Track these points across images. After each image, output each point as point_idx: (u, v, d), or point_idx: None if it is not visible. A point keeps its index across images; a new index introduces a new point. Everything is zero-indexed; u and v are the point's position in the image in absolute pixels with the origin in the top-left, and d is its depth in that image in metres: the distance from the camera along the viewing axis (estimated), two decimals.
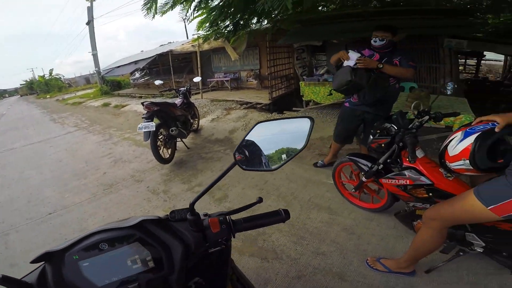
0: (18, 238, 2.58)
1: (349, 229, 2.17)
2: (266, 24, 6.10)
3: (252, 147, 0.73)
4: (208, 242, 0.68)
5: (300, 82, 6.44)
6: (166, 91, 5.07)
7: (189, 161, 3.97)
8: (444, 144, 1.42)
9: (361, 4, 5.89)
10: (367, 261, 1.79)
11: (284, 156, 0.72)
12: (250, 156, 0.73)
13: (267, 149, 0.73)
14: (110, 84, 15.75)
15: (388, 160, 1.73)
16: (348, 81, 2.29)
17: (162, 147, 3.72)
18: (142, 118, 3.51)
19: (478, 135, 1.26)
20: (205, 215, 0.74)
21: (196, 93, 9.15)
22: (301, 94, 6.13)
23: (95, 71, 16.74)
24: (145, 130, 3.39)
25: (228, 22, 5.09)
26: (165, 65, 12.74)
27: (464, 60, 10.31)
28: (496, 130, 1.24)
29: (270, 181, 3.06)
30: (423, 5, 4.97)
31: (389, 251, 1.92)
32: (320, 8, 6.27)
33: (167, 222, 0.66)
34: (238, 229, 0.72)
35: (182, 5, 3.84)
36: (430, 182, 1.52)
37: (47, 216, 2.88)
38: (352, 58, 2.35)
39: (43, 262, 0.59)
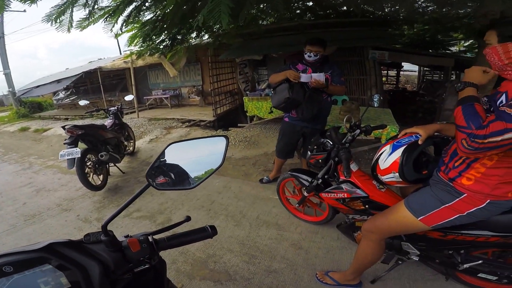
0: None
1: (297, 244, 2.19)
2: (207, 38, 6.00)
3: (168, 168, 0.74)
4: (130, 262, 0.67)
5: (243, 98, 6.46)
6: (94, 111, 4.53)
7: (125, 186, 3.64)
8: (375, 157, 1.47)
9: (297, 17, 6.25)
10: (317, 276, 1.80)
11: (201, 174, 0.74)
12: (168, 177, 0.73)
13: (188, 169, 0.74)
14: (28, 105, 13.71)
15: (326, 175, 1.76)
16: (287, 98, 2.37)
17: (91, 174, 3.35)
18: (64, 144, 3.14)
19: (404, 148, 1.33)
20: (126, 236, 0.73)
21: (131, 112, 8.51)
22: (245, 109, 6.12)
23: (9, 92, 14.46)
24: (69, 157, 3.02)
25: (163, 37, 4.84)
26: (95, 83, 11.65)
27: (386, 72, 11.69)
28: (420, 142, 1.33)
29: (217, 200, 2.97)
30: (350, 16, 5.43)
31: (335, 263, 1.96)
32: (260, 21, 6.44)
33: (81, 244, 0.64)
34: (162, 247, 0.72)
35: (106, 20, 3.49)
36: (365, 195, 1.57)
37: None
38: (305, 79, 2.43)
39: None
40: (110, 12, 3.38)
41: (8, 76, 13.96)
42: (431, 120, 5.64)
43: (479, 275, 1.42)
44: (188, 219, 0.82)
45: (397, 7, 6.31)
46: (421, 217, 1.23)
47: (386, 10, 6.65)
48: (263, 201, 2.86)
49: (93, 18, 3.45)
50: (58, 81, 10.71)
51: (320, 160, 1.75)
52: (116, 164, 3.86)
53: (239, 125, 6.40)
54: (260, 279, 1.88)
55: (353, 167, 1.64)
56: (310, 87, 2.42)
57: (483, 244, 1.30)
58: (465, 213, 1.16)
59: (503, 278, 1.38)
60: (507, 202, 1.12)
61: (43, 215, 3.06)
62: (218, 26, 4.44)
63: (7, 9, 2.74)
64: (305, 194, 2.03)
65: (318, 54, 2.42)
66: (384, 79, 10.70)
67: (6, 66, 13.88)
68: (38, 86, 12.15)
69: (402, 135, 1.44)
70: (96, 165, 3.41)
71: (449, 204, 1.18)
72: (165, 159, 0.73)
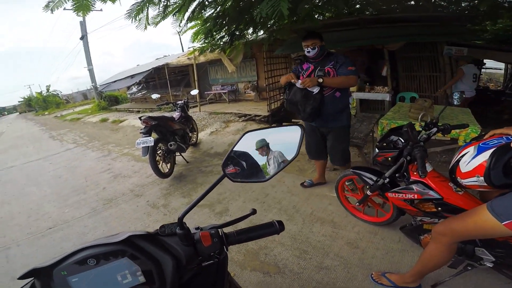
0: (19, 252, 2.59)
1: (353, 243, 2.12)
2: (262, 34, 6.11)
3: (242, 158, 0.71)
4: (200, 256, 0.68)
5: None
6: (164, 104, 5.02)
7: (189, 175, 3.93)
8: (455, 159, 1.36)
9: (357, 12, 5.94)
10: (372, 276, 1.74)
11: (275, 165, 0.70)
12: (240, 167, 0.71)
13: (258, 160, 0.71)
14: (107, 99, 15.77)
15: (396, 174, 1.66)
16: (285, 99, 2.48)
17: (161, 162, 3.68)
18: (140, 133, 3.47)
19: (493, 150, 1.20)
20: (197, 228, 0.73)
21: (194, 106, 9.13)
22: None
23: (92, 86, 16.79)
24: (144, 145, 3.35)
25: (223, 33, 5.09)
26: (162, 78, 12.79)
27: None
28: None
29: (271, 194, 3.02)
30: (420, 12, 4.99)
31: (394, 265, 1.86)
32: (316, 16, 6.30)
33: (156, 237, 0.66)
34: (231, 242, 0.72)
35: (174, 16, 3.82)
36: (439, 197, 1.46)
37: (47, 231, 2.89)
38: (298, 85, 2.39)
39: (32, 278, 0.59)
40: (178, 8, 3.68)
41: (91, 71, 16.21)
42: None
43: None
44: (253, 212, 0.80)
45: (475, 2, 5.56)
46: (506, 222, 1.11)
47: (462, 4, 5.92)
48: (318, 197, 2.82)
49: (163, 14, 3.80)
50: (132, 76, 12.07)
51: (389, 158, 1.66)
52: (182, 154, 4.19)
53: (293, 120, 6.39)
54: (310, 275, 1.86)
55: (428, 167, 1.52)
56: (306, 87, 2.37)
57: None
58: None
59: None
60: None
61: (119, 200, 3.42)
62: (273, 21, 4.48)
63: (92, 10, 3.02)
64: (368, 193, 1.95)
65: (315, 47, 2.35)
66: None
67: (89, 62, 16.11)
68: (115, 81, 13.85)
69: (489, 136, 1.30)
70: (165, 154, 3.74)
71: None
72: (240, 150, 0.71)
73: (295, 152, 0.69)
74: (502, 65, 9.10)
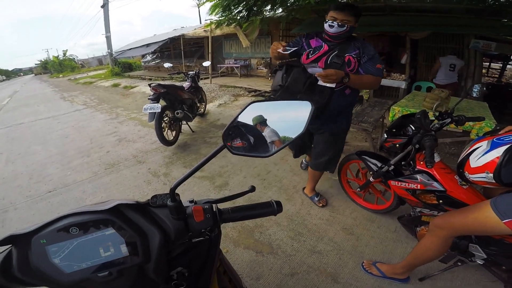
0: (16, 216, 2.55)
1: (348, 228, 2.12)
2: (280, 12, 5.90)
3: (247, 129, 0.67)
4: (190, 231, 0.63)
5: None
6: (175, 74, 5.01)
7: (193, 144, 3.94)
8: (465, 153, 1.30)
9: None
10: (363, 264, 1.75)
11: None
12: (246, 140, 0.67)
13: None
14: (121, 65, 15.84)
15: (402, 162, 1.62)
16: (280, 85, 1.80)
17: (166, 129, 3.70)
18: (148, 99, 3.48)
19: (508, 147, 1.14)
20: (191, 201, 0.68)
21: (205, 78, 9.09)
22: None
23: (107, 53, 16.81)
24: (151, 111, 3.37)
25: (241, 8, 4.94)
26: (177, 49, 12.70)
27: (488, 63, 9.85)
28: None
29: (273, 171, 3.01)
30: (451, 3, 4.72)
31: (386, 255, 1.86)
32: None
33: (146, 207, 0.62)
34: (225, 219, 0.68)
35: None
36: (442, 189, 1.42)
37: (46, 194, 2.87)
38: (313, 72, 1.79)
39: (10, 246, 0.55)
40: None
41: (108, 39, 16.24)
42: None
43: None
44: (252, 189, 0.74)
45: None
46: (507, 220, 1.09)
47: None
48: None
49: None
50: (147, 45, 12.02)
51: (397, 145, 1.61)
52: (188, 123, 4.22)
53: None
54: (302, 258, 1.87)
55: (436, 157, 1.47)
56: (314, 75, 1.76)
57: None
58: None
59: None
60: None
61: (121, 165, 3.43)
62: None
63: None
64: (371, 179, 1.92)
65: (345, 25, 1.72)
66: (484, 71, 9.05)
67: (108, 29, 16.14)
68: (130, 49, 13.80)
69: (505, 131, 1.24)
70: (172, 121, 3.76)
71: None
72: (243, 121, 0.66)
73: (302, 128, 0.64)
74: None
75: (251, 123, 0.67)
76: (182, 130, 4.10)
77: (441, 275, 1.61)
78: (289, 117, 0.68)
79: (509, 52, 5.87)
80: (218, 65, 10.86)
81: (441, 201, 1.44)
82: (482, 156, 1.20)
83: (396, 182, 1.63)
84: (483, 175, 1.20)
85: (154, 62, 15.10)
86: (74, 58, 30.66)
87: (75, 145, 4.28)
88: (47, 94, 11.66)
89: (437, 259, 1.46)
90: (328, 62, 1.82)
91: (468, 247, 1.41)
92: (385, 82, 5.23)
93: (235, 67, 10.33)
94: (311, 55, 1.89)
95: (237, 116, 0.65)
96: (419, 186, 1.51)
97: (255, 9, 5.04)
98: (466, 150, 1.31)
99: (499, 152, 1.15)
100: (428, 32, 4.82)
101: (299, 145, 2.39)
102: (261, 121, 0.66)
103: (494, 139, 1.21)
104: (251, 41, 7.50)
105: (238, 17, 5.29)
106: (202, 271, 0.70)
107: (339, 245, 1.96)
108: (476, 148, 1.25)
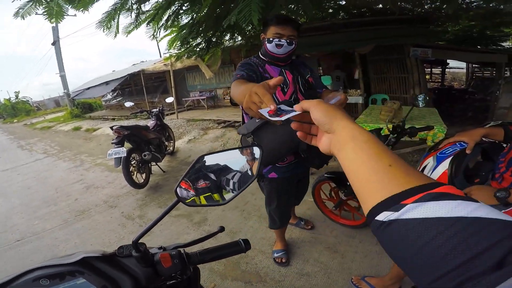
0: None
1: (332, 247, 2.14)
2: (240, 40, 6.13)
3: (212, 171, 0.70)
4: (162, 276, 0.67)
5: None
6: (138, 113, 4.88)
7: (165, 184, 3.85)
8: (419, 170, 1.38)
9: (329, 17, 6.11)
10: (352, 281, 1.75)
11: (236, 186, 0.69)
12: (206, 180, 0.69)
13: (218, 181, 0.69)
14: (81, 106, 15.14)
15: None
16: (256, 147, 1.09)
17: (135, 172, 3.60)
18: (112, 143, 3.40)
19: (451, 159, 1.23)
20: (160, 248, 0.72)
21: (171, 113, 8.96)
22: None
23: (64, 93, 16.06)
24: (116, 156, 3.27)
25: (199, 40, 5.06)
26: (138, 85, 12.47)
27: (429, 69, 10.91)
28: (467, 151, 1.22)
29: (251, 201, 3.00)
30: (387, 14, 5.21)
31: (373, 268, 1.89)
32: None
33: (113, 258, 0.64)
34: (193, 262, 0.71)
35: (149, 24, 3.74)
36: None
37: (15, 243, 2.80)
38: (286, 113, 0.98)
39: None
40: (151, 17, 3.61)
41: (63, 78, 15.50)
42: (483, 119, 5.18)
43: None
44: (221, 229, 0.80)
45: (437, 4, 5.90)
46: None
47: (425, 7, 6.26)
48: None
49: (137, 23, 3.71)
50: (107, 83, 11.64)
51: None
52: (158, 163, 4.10)
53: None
54: (291, 282, 1.86)
55: None
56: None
57: None
58: None
59: None
60: None
61: (92, 211, 3.31)
62: (250, 28, 4.50)
63: (65, 16, 2.98)
64: (343, 197, 1.97)
65: (293, 42, 1.46)
66: (427, 76, 9.98)
67: (62, 68, 15.41)
68: (89, 88, 13.30)
69: (444, 144, 1.34)
70: (140, 164, 3.65)
71: (508, 210, 1.07)
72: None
73: (255, 171, 0.67)
74: (464, 65, 9.72)
75: (206, 172, 0.68)
76: (152, 171, 4.01)
77: None
78: (241, 163, 0.70)
79: (444, 56, 6.51)
80: (183, 99, 10.80)
81: None
82: (433, 172, 1.28)
83: None
84: None
85: (115, 101, 14.61)
86: (28, 100, 28.63)
87: (39, 196, 4.04)
88: (2, 143, 10.77)
89: None
90: (303, 93, 1.53)
91: None
92: None
93: (201, 99, 10.30)
94: (286, 89, 1.49)
95: (188, 172, 0.66)
96: None
97: (214, 40, 5.18)
98: (418, 168, 1.39)
99: (445, 165, 1.23)
100: (372, 45, 5.17)
101: (289, 213, 2.00)
102: (218, 169, 0.69)
103: (437, 154, 1.30)
104: (214, 72, 7.64)
105: (198, 49, 5.40)
106: None
107: (325, 265, 1.97)
108: (425, 165, 1.34)
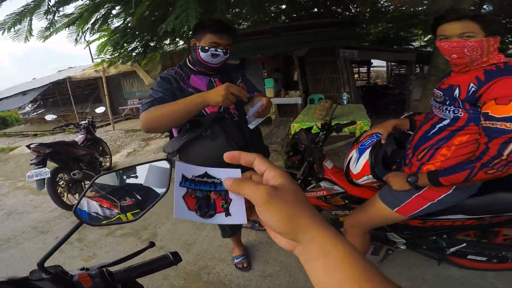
0: None
1: None
2: (182, 44, 5.93)
3: (134, 188, 0.67)
4: None
5: None
6: (63, 126, 4.34)
7: None
8: (345, 164, 1.51)
9: (271, 20, 6.33)
10: None
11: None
12: (131, 198, 0.67)
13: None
14: None
15: (302, 176, 1.77)
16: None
17: (65, 193, 3.21)
18: (31, 164, 2.99)
19: (370, 149, 1.37)
20: (82, 269, 0.70)
21: (106, 124, 8.22)
22: None
23: None
24: (37, 178, 2.87)
25: (135, 44, 4.75)
26: (65, 94, 11.03)
27: (357, 69, 12.14)
28: (382, 141, 1.39)
29: None
30: (321, 18, 5.52)
31: None
32: (236, 26, 6.45)
33: (25, 282, 0.61)
34: (118, 279, 0.69)
35: (69, 28, 3.36)
36: (343, 190, 1.62)
37: None
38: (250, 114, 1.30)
39: None
40: (73, 21, 3.27)
41: None
42: (402, 111, 5.94)
43: (469, 257, 1.48)
44: (151, 245, 0.77)
45: (360, 8, 6.62)
46: (397, 208, 1.29)
47: (352, 10, 6.97)
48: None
49: (55, 27, 3.32)
50: (24, 93, 10.01)
51: (296, 162, 1.77)
52: None
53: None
54: (257, 285, 1.88)
55: (328, 164, 1.67)
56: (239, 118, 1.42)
57: (461, 227, 1.37)
58: (435, 200, 1.22)
59: (493, 258, 1.44)
60: (472, 186, 1.19)
61: (18, 238, 2.93)
62: (191, 32, 4.40)
63: None
64: None
65: (228, 52, 1.40)
66: (356, 76, 11.10)
67: None
68: (1, 99, 11.28)
69: (364, 137, 1.48)
70: (70, 184, 3.28)
71: (419, 193, 1.24)
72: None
73: (165, 188, 0.64)
74: (384, 63, 11.10)
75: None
76: None
77: (383, 265, 1.77)
78: (151, 178, 0.67)
79: (369, 57, 7.28)
80: (120, 108, 9.94)
81: (346, 201, 1.63)
82: (357, 163, 1.41)
83: (307, 193, 1.77)
84: (366, 178, 1.40)
85: (35, 114, 12.64)
86: None
87: None
88: None
89: (368, 253, 1.61)
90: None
91: (387, 236, 1.59)
92: (285, 100, 5.80)
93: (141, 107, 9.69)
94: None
95: (83, 194, 0.64)
96: (325, 192, 1.68)
97: (152, 44, 4.91)
98: (345, 161, 1.52)
99: (366, 156, 1.37)
100: (307, 48, 5.49)
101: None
102: (118, 188, 0.67)
103: (359, 146, 1.44)
104: (154, 77, 7.26)
105: (134, 54, 5.06)
106: None
107: (285, 263, 2.03)
108: (350, 157, 1.47)
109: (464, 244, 1.44)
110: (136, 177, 0.67)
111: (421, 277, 1.74)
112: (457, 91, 1.09)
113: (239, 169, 0.38)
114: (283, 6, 6.69)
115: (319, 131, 1.71)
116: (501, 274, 1.62)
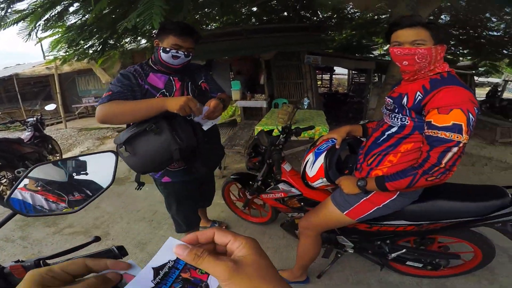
0: None
1: None
2: (145, 43, 5.69)
3: (78, 183, 0.67)
4: None
5: None
6: (7, 123, 3.98)
7: None
8: (302, 166, 1.54)
9: (242, 22, 6.32)
10: None
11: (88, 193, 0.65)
12: (81, 193, 0.66)
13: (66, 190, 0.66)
14: None
15: (262, 178, 1.80)
16: (178, 148, 1.26)
17: (7, 192, 2.93)
18: None
19: (325, 154, 1.42)
20: (16, 261, 0.65)
21: (57, 123, 7.62)
22: None
23: None
24: None
25: (92, 42, 4.45)
26: (11, 91, 10.01)
27: (321, 75, 12.56)
28: (337, 146, 1.44)
29: (160, 210, 2.82)
30: (290, 21, 5.64)
31: (284, 261, 2.03)
32: (203, 26, 6.34)
33: None
34: None
35: (16, 24, 3.08)
36: (299, 193, 1.67)
37: None
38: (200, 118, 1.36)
39: None
40: (23, 18, 3.00)
41: None
42: (360, 119, 6.25)
43: (407, 263, 1.60)
44: (96, 239, 0.73)
45: (330, 13, 6.82)
46: (346, 211, 1.35)
47: (320, 15, 7.19)
48: (211, 206, 2.79)
49: (4, 23, 3.03)
50: None
51: (257, 163, 1.79)
52: None
53: None
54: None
55: (287, 167, 1.72)
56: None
57: (402, 233, 1.45)
58: (381, 205, 1.29)
59: (427, 265, 1.57)
60: (414, 192, 1.27)
61: None
62: (154, 31, 4.27)
63: None
64: (248, 196, 2.06)
65: (190, 54, 1.43)
66: (319, 82, 11.44)
67: None
68: None
69: (320, 142, 1.52)
70: (13, 183, 2.98)
71: (367, 197, 1.30)
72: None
73: (110, 179, 0.64)
74: (346, 71, 11.58)
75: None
76: None
77: (332, 268, 1.84)
78: (97, 169, 0.68)
79: (332, 63, 7.41)
80: (73, 106, 9.31)
81: (302, 203, 1.68)
82: (313, 167, 1.45)
83: (266, 195, 1.82)
84: (320, 180, 1.44)
85: None
86: None
87: None
88: None
89: (319, 256, 1.66)
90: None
91: (337, 239, 1.66)
92: (250, 103, 5.80)
93: (96, 105, 9.10)
94: (165, 95, 1.45)
95: (20, 181, 0.61)
96: (282, 194, 1.72)
97: (111, 42, 4.63)
98: (302, 164, 1.55)
99: (321, 160, 1.41)
100: (274, 52, 5.55)
101: (195, 217, 1.93)
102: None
103: (315, 150, 1.48)
104: (112, 76, 6.87)
105: (90, 52, 4.74)
106: None
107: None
108: (307, 161, 1.50)
109: (404, 250, 1.55)
110: (80, 168, 0.65)
111: (366, 281, 1.81)
112: (405, 99, 1.12)
113: (170, 237, 0.37)
114: (254, 9, 6.74)
115: (279, 134, 1.75)
116: (434, 281, 1.76)
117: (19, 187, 0.60)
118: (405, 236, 1.53)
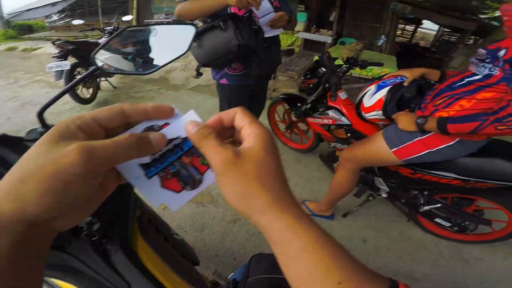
0: None
1: None
2: None
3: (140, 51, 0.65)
4: None
5: None
6: (88, 30, 4.37)
7: (116, 101, 3.60)
8: (360, 96, 1.47)
9: None
10: None
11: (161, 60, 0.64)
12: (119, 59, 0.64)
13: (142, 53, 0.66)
14: (18, 28, 12.92)
15: (314, 100, 1.75)
16: (236, 45, 1.35)
17: (81, 87, 3.35)
18: (53, 57, 3.05)
19: (389, 88, 1.33)
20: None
21: None
22: None
23: None
24: (57, 69, 2.95)
25: None
26: (93, 6, 10.87)
27: (403, 26, 10.97)
28: (405, 84, 1.33)
29: (207, 118, 2.95)
30: None
31: (314, 193, 2.02)
32: None
33: (18, 141, 0.54)
34: None
35: None
36: (349, 123, 1.59)
37: None
38: (265, 20, 1.45)
39: None
40: None
41: None
42: None
43: (436, 219, 1.52)
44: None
45: None
46: (395, 149, 1.27)
47: None
48: None
49: None
50: (53, 4, 9.89)
51: (311, 85, 1.72)
52: (108, 79, 3.84)
53: None
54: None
55: (342, 95, 1.63)
56: (260, 26, 1.46)
57: (445, 186, 1.37)
58: (434, 149, 1.19)
59: (455, 226, 1.49)
60: (476, 142, 1.15)
61: (28, 130, 3.04)
62: None
63: None
64: (294, 118, 2.05)
65: None
66: (399, 32, 10.07)
67: None
68: (30, 9, 11.21)
69: (387, 76, 1.42)
70: (86, 79, 3.34)
71: (422, 137, 1.21)
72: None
73: (185, 48, 0.62)
74: (436, 27, 9.88)
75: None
76: (102, 87, 3.75)
77: (359, 210, 1.81)
78: (171, 39, 0.68)
79: (422, 16, 6.56)
80: (145, 21, 9.75)
81: (349, 134, 1.61)
82: (372, 97, 1.38)
83: (313, 119, 1.77)
84: (375, 113, 1.37)
85: (62, 22, 12.65)
86: None
87: None
88: None
89: (351, 193, 1.63)
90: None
91: (374, 181, 1.61)
92: (313, 36, 5.52)
93: (166, 22, 9.42)
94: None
95: (109, 41, 0.58)
96: (331, 121, 1.66)
97: None
98: (361, 93, 1.47)
99: (383, 92, 1.33)
100: None
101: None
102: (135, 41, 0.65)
103: (380, 83, 1.39)
104: None
105: None
106: (117, 220, 0.66)
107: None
108: (367, 91, 1.42)
109: (439, 205, 1.46)
110: (160, 35, 0.67)
111: (388, 231, 1.76)
112: (502, 52, 1.02)
113: (191, 110, 0.30)
114: None
115: (343, 63, 1.64)
116: (453, 245, 1.66)
117: (105, 46, 0.60)
118: (446, 190, 1.46)
